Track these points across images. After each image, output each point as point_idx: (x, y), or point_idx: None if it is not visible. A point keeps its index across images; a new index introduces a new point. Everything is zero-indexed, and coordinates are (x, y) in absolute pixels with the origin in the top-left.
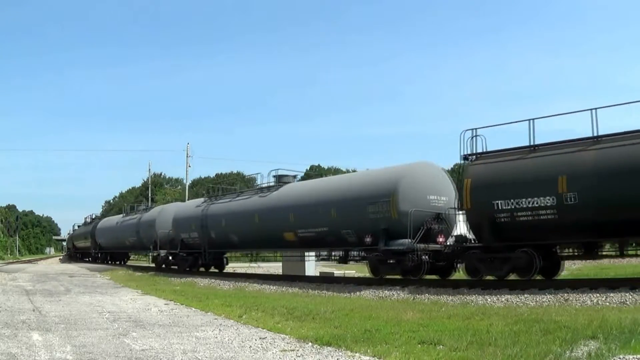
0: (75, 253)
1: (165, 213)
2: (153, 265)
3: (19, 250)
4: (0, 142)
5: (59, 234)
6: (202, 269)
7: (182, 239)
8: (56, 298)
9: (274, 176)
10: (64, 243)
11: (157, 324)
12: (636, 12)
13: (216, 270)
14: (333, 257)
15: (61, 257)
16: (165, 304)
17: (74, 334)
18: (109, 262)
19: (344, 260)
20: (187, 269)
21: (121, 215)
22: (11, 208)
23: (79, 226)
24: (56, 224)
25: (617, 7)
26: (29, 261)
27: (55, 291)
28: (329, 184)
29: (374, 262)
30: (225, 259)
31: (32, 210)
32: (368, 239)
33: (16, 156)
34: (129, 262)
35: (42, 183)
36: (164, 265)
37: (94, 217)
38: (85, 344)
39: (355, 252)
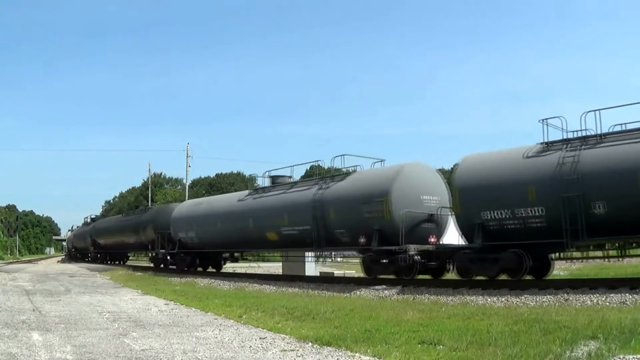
0: (95, 254)
1: (408, 174)
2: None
3: (19, 250)
4: (1, 142)
5: (59, 234)
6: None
7: (483, 224)
8: (56, 298)
9: None
10: (64, 243)
11: (157, 324)
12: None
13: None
14: None
15: (62, 258)
16: (165, 304)
17: (74, 334)
18: (199, 267)
19: None
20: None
21: (246, 191)
22: (11, 208)
23: (92, 219)
24: (56, 224)
25: (617, 9)
26: (29, 261)
27: (55, 291)
28: None
29: None
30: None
31: (32, 210)
32: None
33: (16, 156)
34: (228, 267)
35: (42, 183)
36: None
37: (99, 215)
38: (85, 344)
39: None
